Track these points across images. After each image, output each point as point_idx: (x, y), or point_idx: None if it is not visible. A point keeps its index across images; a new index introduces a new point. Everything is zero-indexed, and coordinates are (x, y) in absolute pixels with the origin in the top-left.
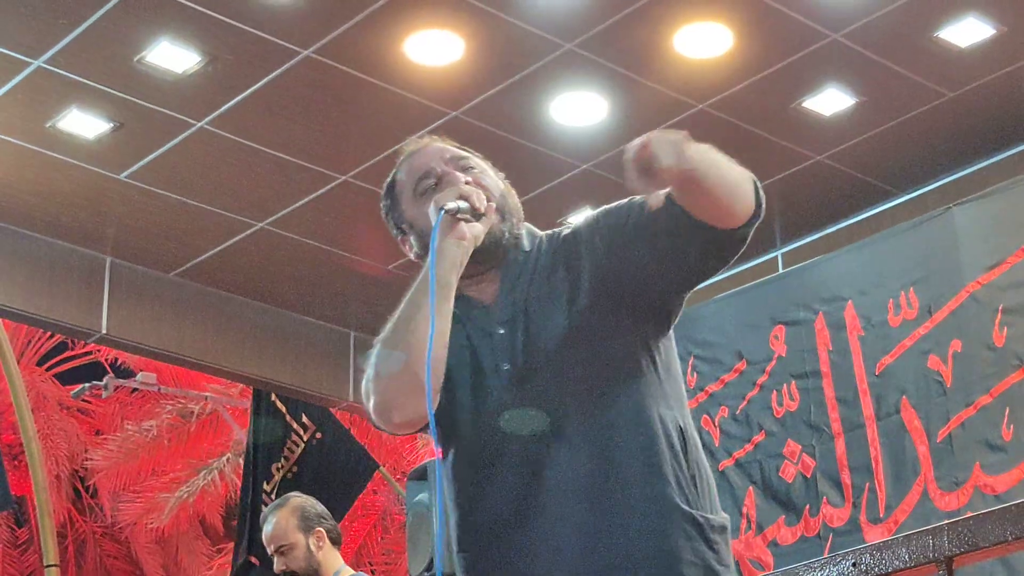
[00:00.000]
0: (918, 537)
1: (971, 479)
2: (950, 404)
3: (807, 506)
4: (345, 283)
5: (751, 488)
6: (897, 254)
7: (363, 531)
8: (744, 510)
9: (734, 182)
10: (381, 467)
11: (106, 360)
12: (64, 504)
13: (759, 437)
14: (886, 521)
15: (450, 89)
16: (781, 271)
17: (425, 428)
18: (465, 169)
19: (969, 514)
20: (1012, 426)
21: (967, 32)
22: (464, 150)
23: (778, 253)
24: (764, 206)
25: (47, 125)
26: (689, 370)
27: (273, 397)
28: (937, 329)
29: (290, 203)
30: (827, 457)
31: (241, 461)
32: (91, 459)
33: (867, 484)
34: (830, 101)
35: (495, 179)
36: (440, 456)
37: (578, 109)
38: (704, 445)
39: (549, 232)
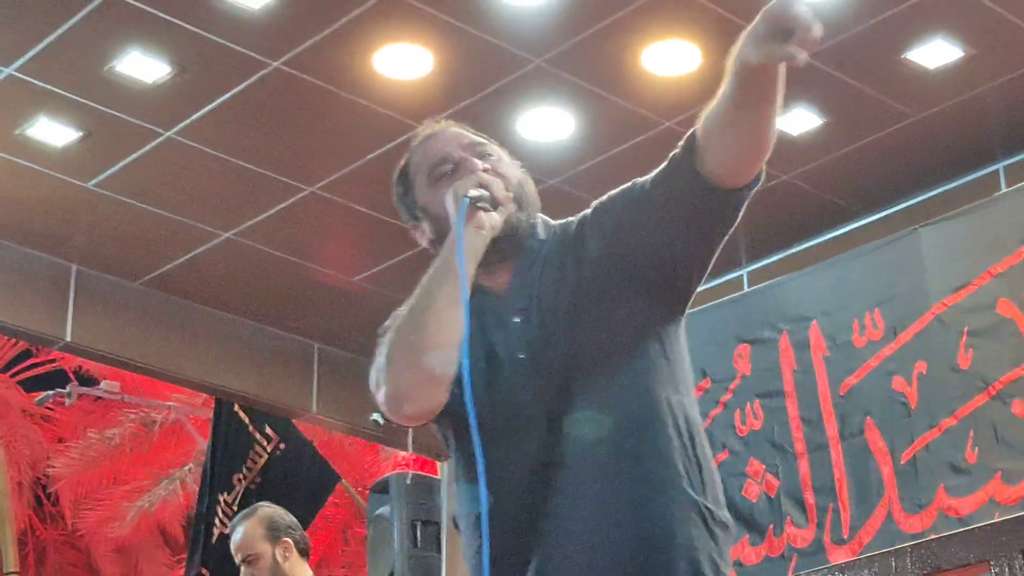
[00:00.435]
0: (881, 559)
1: (935, 501)
2: (915, 426)
3: (771, 526)
4: (310, 294)
5: None
6: (863, 274)
7: (324, 543)
8: None
9: (774, 118)
10: (343, 480)
11: (70, 368)
12: (25, 511)
13: (722, 455)
14: (850, 543)
15: (418, 103)
16: (746, 290)
17: (435, 419)
18: (483, 156)
19: (933, 536)
20: (976, 449)
21: (935, 54)
22: (481, 136)
23: (743, 272)
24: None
25: (15, 133)
26: None
27: (236, 407)
28: (902, 350)
29: (257, 214)
30: (791, 477)
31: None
32: (53, 466)
33: (831, 505)
34: (797, 121)
35: (512, 167)
36: (454, 453)
37: (545, 125)
38: None
39: (562, 221)
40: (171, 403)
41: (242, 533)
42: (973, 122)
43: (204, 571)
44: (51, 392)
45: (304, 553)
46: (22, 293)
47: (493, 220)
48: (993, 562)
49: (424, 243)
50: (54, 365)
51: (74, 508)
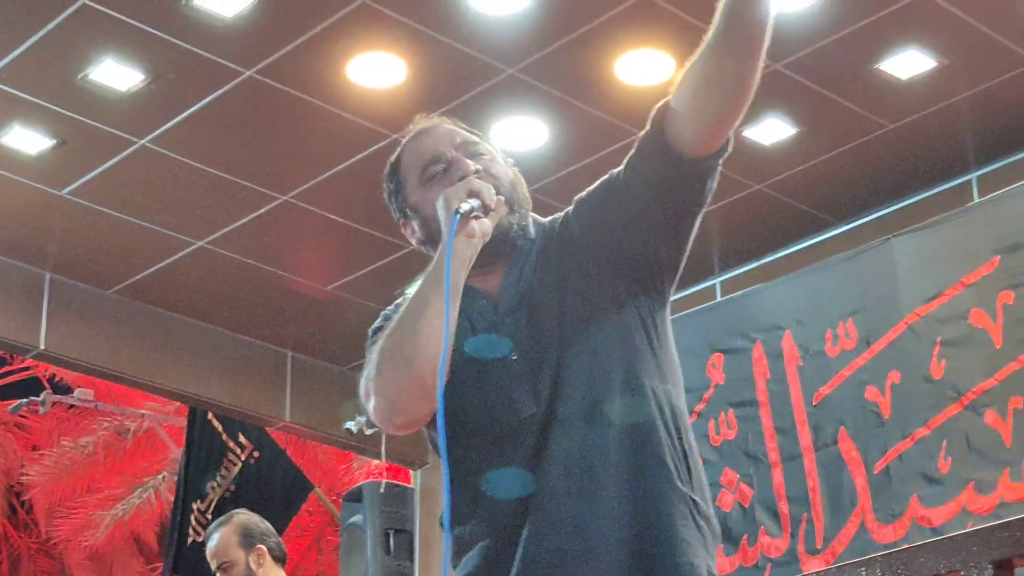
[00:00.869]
0: (852, 568)
1: (908, 511)
2: (888, 436)
3: (745, 536)
4: (284, 303)
5: None
6: (835, 284)
7: (298, 552)
8: None
9: (758, 67)
10: (316, 488)
11: (44, 376)
12: None
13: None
14: (824, 552)
15: (392, 112)
16: (719, 299)
17: (428, 426)
18: (475, 156)
19: (905, 547)
20: (949, 459)
21: (908, 64)
22: (474, 134)
23: (716, 281)
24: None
25: None
26: None
27: (210, 416)
28: (875, 360)
29: (230, 222)
30: (765, 487)
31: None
32: (27, 474)
33: (804, 515)
34: (770, 130)
35: (504, 167)
36: (446, 459)
37: (519, 134)
38: None
39: (550, 218)
40: (145, 411)
41: (217, 540)
42: (946, 132)
43: None
44: (25, 400)
45: (279, 560)
46: None
47: (484, 227)
48: (963, 572)
49: (413, 241)
50: (28, 373)
51: (48, 516)
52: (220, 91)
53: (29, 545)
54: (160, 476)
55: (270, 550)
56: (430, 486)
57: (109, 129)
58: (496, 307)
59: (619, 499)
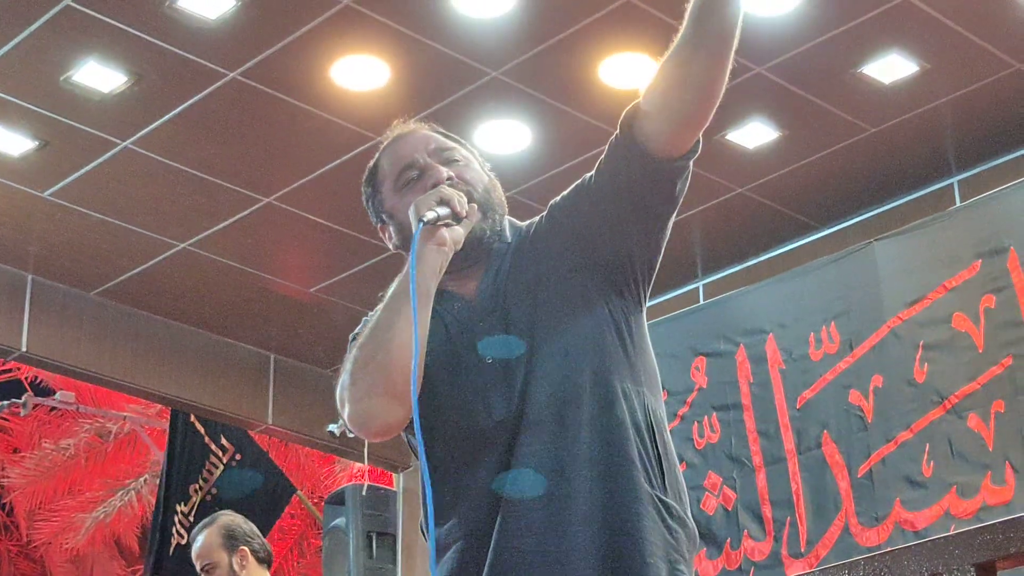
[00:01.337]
0: (835, 571)
1: (891, 515)
2: (871, 439)
3: (728, 539)
4: (266, 305)
5: None
6: (818, 288)
7: (280, 555)
8: None
9: (728, 63)
10: (299, 491)
11: (25, 378)
12: None
13: (680, 468)
14: (808, 556)
15: (375, 114)
16: (702, 302)
17: (407, 430)
18: (449, 162)
19: (887, 550)
20: (932, 462)
21: (890, 68)
22: (451, 139)
23: (699, 284)
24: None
25: None
26: None
27: (192, 418)
28: (858, 364)
29: (213, 224)
30: (748, 490)
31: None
32: (8, 477)
33: (788, 518)
34: (753, 134)
35: (480, 172)
36: (425, 462)
37: (502, 137)
38: None
39: (528, 222)
40: (126, 414)
41: (201, 542)
42: (928, 136)
43: None
44: (6, 402)
45: (263, 561)
46: None
47: (456, 235)
48: (946, 575)
49: (390, 246)
50: (9, 375)
51: (29, 519)
52: (203, 93)
53: (9, 548)
54: (142, 479)
55: (254, 552)
56: (412, 489)
57: (92, 131)
58: (471, 310)
59: (588, 501)
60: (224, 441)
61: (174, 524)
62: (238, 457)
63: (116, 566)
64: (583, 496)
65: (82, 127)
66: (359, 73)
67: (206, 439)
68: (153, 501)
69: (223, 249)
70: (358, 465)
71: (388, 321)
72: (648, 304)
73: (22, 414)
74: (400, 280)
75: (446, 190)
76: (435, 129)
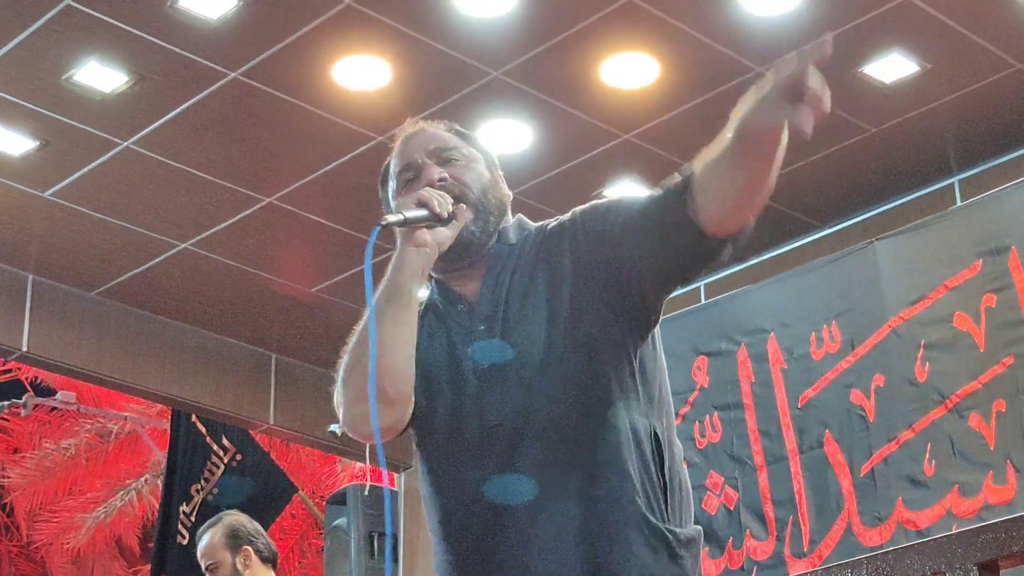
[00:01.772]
0: (838, 571)
1: (894, 514)
2: (872, 439)
3: (730, 539)
4: (267, 305)
5: None
6: (819, 287)
7: (281, 555)
8: None
9: (772, 176)
10: (300, 491)
11: (26, 378)
12: None
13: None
14: (810, 556)
15: (377, 114)
16: (703, 302)
17: (400, 432)
18: (447, 162)
19: (889, 549)
20: (934, 461)
21: (891, 68)
22: (460, 135)
23: (700, 284)
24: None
25: None
26: None
27: (193, 418)
28: (859, 363)
29: (214, 224)
30: (750, 489)
31: (159, 482)
32: (8, 477)
33: (790, 518)
34: None
35: (480, 172)
36: (385, 469)
37: (504, 137)
38: None
39: (539, 224)
40: (127, 414)
41: (206, 541)
42: (929, 136)
43: None
44: (6, 402)
45: (267, 561)
46: None
47: (439, 235)
48: (948, 574)
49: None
50: (10, 375)
51: (29, 519)
52: (205, 93)
53: (10, 548)
54: (143, 479)
55: (258, 551)
56: (414, 489)
57: (93, 131)
58: (471, 313)
59: (584, 525)
60: (225, 441)
61: (177, 524)
62: (239, 457)
63: (117, 566)
64: (582, 521)
65: (83, 127)
66: (360, 73)
67: (207, 439)
68: (154, 501)
69: (224, 249)
70: (359, 465)
71: (370, 325)
72: None
73: (23, 414)
74: (383, 284)
75: (425, 192)
76: (447, 127)
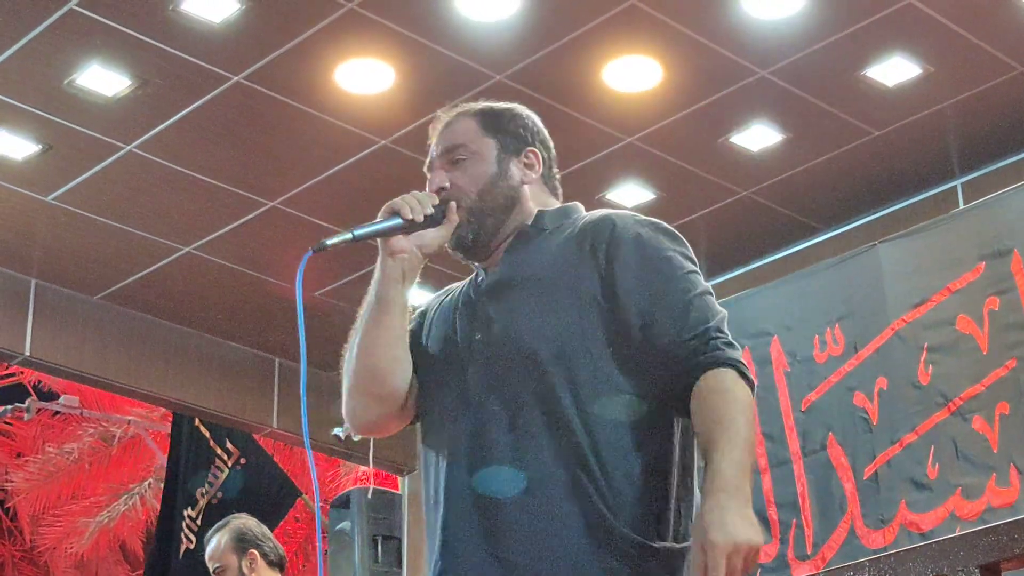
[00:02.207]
0: (841, 573)
1: (897, 517)
2: (876, 442)
3: None
4: (271, 309)
5: None
6: (823, 290)
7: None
8: None
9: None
10: (303, 494)
11: (29, 382)
12: None
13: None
14: (814, 558)
15: (380, 118)
16: None
17: (410, 423)
18: (454, 163)
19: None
20: (937, 464)
21: (894, 71)
22: (481, 117)
23: None
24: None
25: None
26: None
27: (197, 422)
28: (863, 366)
29: (217, 228)
30: (754, 492)
31: (163, 486)
32: (11, 481)
33: (794, 521)
34: (757, 137)
35: (481, 172)
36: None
37: None
38: None
39: (591, 214)
40: (130, 418)
41: (213, 545)
42: (932, 139)
43: None
44: (9, 407)
45: (274, 564)
46: None
47: (424, 239)
48: None
49: None
50: (13, 379)
51: (33, 523)
52: (207, 97)
53: (13, 553)
54: (146, 483)
55: (264, 555)
56: (418, 492)
57: (96, 135)
58: (476, 293)
59: (541, 528)
60: (229, 445)
61: (182, 528)
62: (243, 461)
63: (120, 571)
64: (540, 525)
65: (86, 131)
66: (363, 77)
67: (211, 443)
68: (157, 505)
69: (227, 253)
70: (363, 468)
71: (357, 327)
72: None
73: (26, 418)
74: (371, 286)
75: (397, 200)
76: (472, 113)
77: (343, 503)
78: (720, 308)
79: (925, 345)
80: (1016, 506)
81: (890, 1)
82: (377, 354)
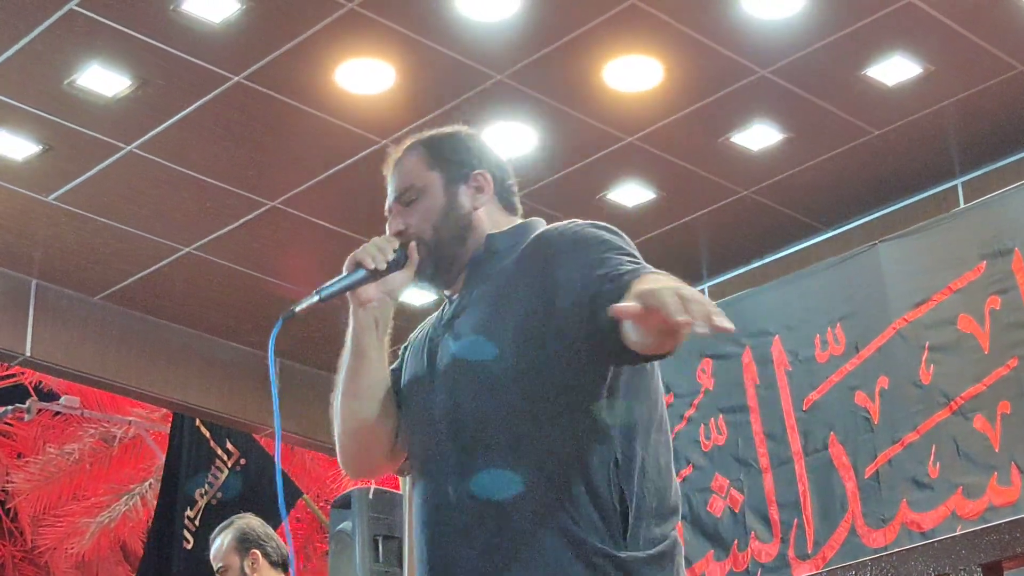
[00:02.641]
0: (842, 573)
1: (898, 516)
2: (877, 441)
3: (735, 541)
4: (271, 309)
5: (680, 522)
6: (824, 290)
7: None
8: None
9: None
10: (305, 495)
11: (30, 383)
12: None
13: (687, 471)
14: (814, 557)
15: (381, 117)
16: None
17: (400, 471)
18: (408, 204)
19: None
20: (938, 464)
21: (894, 70)
22: (425, 149)
23: (704, 287)
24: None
25: None
26: None
27: (197, 423)
28: (864, 365)
29: (218, 228)
30: (755, 492)
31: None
32: (12, 482)
33: (795, 520)
34: (758, 136)
35: (430, 206)
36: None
37: (507, 140)
38: None
39: (542, 230)
40: (131, 418)
41: (217, 545)
42: (932, 138)
43: None
44: (10, 407)
45: (277, 565)
46: None
47: (390, 284)
48: (952, 575)
49: None
50: (13, 380)
51: (33, 524)
52: (208, 97)
53: (14, 553)
54: (147, 483)
55: (266, 555)
56: None
57: (96, 135)
58: (442, 319)
59: (509, 557)
60: (229, 445)
61: (182, 529)
62: (243, 461)
63: (121, 571)
64: (507, 554)
65: (86, 131)
66: (364, 76)
67: (211, 443)
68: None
69: (228, 253)
70: None
71: (339, 377)
72: None
73: (26, 419)
74: (347, 336)
75: (357, 252)
76: (413, 150)
77: (344, 503)
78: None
79: (926, 344)
80: (1017, 505)
81: (890, 0)
82: (360, 401)
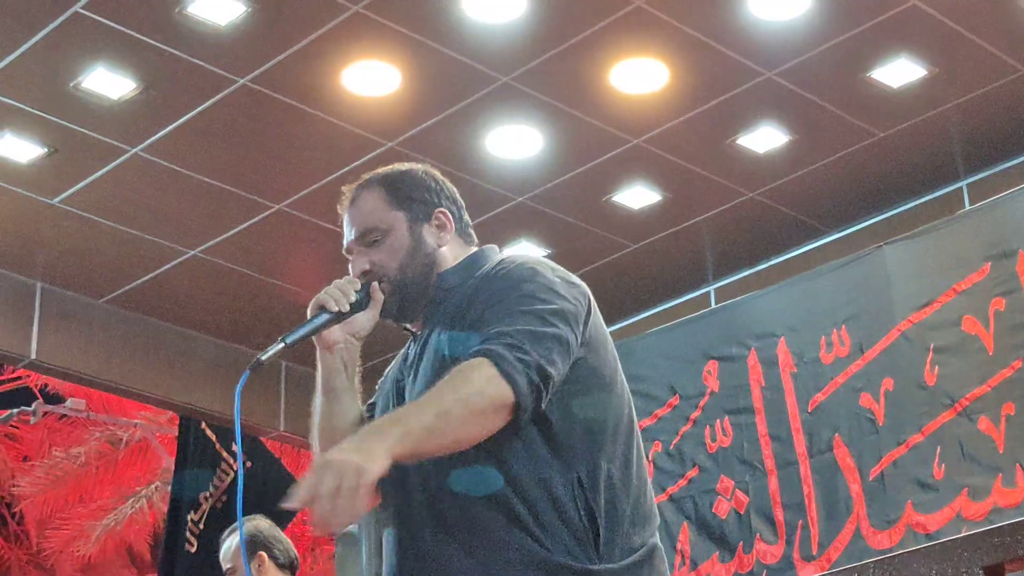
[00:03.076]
0: (847, 574)
1: (903, 518)
2: (882, 442)
3: (740, 543)
4: (277, 312)
5: (685, 524)
6: (829, 292)
7: None
8: (678, 546)
9: (463, 419)
10: None
11: (35, 386)
12: None
13: (692, 472)
14: (819, 559)
15: (386, 120)
16: (713, 306)
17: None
18: (371, 244)
19: (897, 552)
20: (943, 465)
21: (899, 73)
22: (386, 190)
23: (710, 288)
24: (532, 395)
25: None
26: None
27: (203, 425)
28: (869, 367)
29: (223, 231)
30: (760, 493)
31: (170, 490)
32: (18, 485)
33: (800, 521)
34: (764, 138)
35: (396, 246)
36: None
37: (514, 142)
38: None
39: (485, 269)
40: (137, 421)
41: (226, 546)
42: (937, 140)
43: None
44: (15, 410)
45: (284, 567)
46: None
47: (356, 325)
48: None
49: None
50: (19, 383)
51: (39, 527)
52: (213, 99)
53: (20, 557)
54: (153, 486)
55: (273, 557)
56: None
57: (101, 137)
58: (408, 356)
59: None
60: (235, 448)
61: (185, 532)
62: (249, 464)
63: (128, 574)
64: (451, 555)
65: (91, 134)
66: (370, 79)
67: (217, 446)
68: (164, 508)
69: (233, 256)
70: None
71: (313, 421)
72: (658, 309)
73: (32, 422)
74: (317, 379)
75: (321, 295)
76: (374, 190)
77: None
78: (555, 333)
79: (931, 346)
80: (1022, 506)
81: (895, 3)
82: (336, 441)
